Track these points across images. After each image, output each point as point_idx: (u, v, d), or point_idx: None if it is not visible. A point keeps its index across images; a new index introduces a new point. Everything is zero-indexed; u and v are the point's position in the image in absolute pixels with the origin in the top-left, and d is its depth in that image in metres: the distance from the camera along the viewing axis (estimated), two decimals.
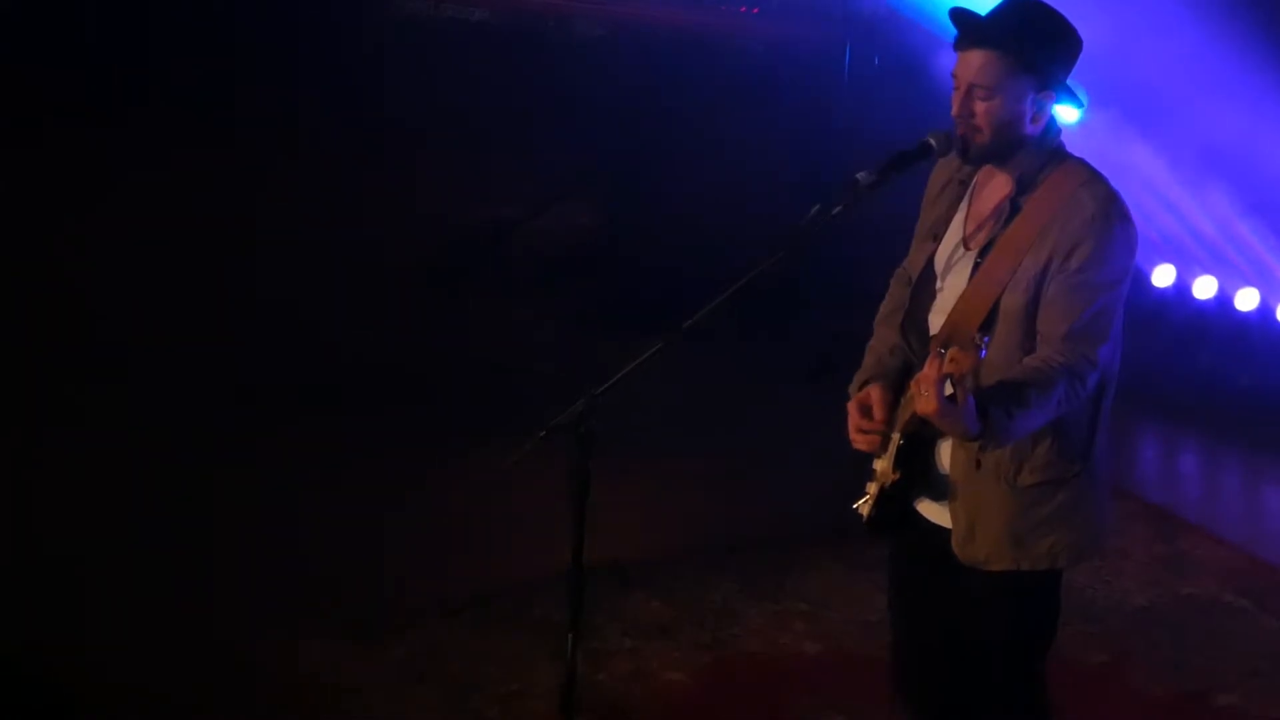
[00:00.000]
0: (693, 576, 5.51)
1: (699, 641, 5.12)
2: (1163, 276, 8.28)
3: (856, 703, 4.70)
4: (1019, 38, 3.29)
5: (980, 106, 3.30)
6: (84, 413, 6.29)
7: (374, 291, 7.98)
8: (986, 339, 3.10)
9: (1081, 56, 3.39)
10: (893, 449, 3.42)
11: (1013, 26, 3.31)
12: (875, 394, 3.43)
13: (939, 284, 3.46)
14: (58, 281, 7.34)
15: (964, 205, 3.48)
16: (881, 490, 3.48)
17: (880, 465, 3.50)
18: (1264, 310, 8.06)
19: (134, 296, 7.45)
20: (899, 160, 3.35)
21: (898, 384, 3.46)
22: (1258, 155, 7.69)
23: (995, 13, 3.35)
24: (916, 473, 3.43)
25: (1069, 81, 3.37)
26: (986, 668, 3.51)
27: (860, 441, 3.45)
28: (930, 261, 3.50)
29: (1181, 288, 8.27)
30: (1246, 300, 8.10)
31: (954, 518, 3.42)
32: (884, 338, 3.60)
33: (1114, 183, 3.38)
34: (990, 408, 3.13)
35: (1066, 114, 3.47)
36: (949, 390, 3.07)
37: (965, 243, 3.42)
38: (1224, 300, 8.19)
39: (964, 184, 3.50)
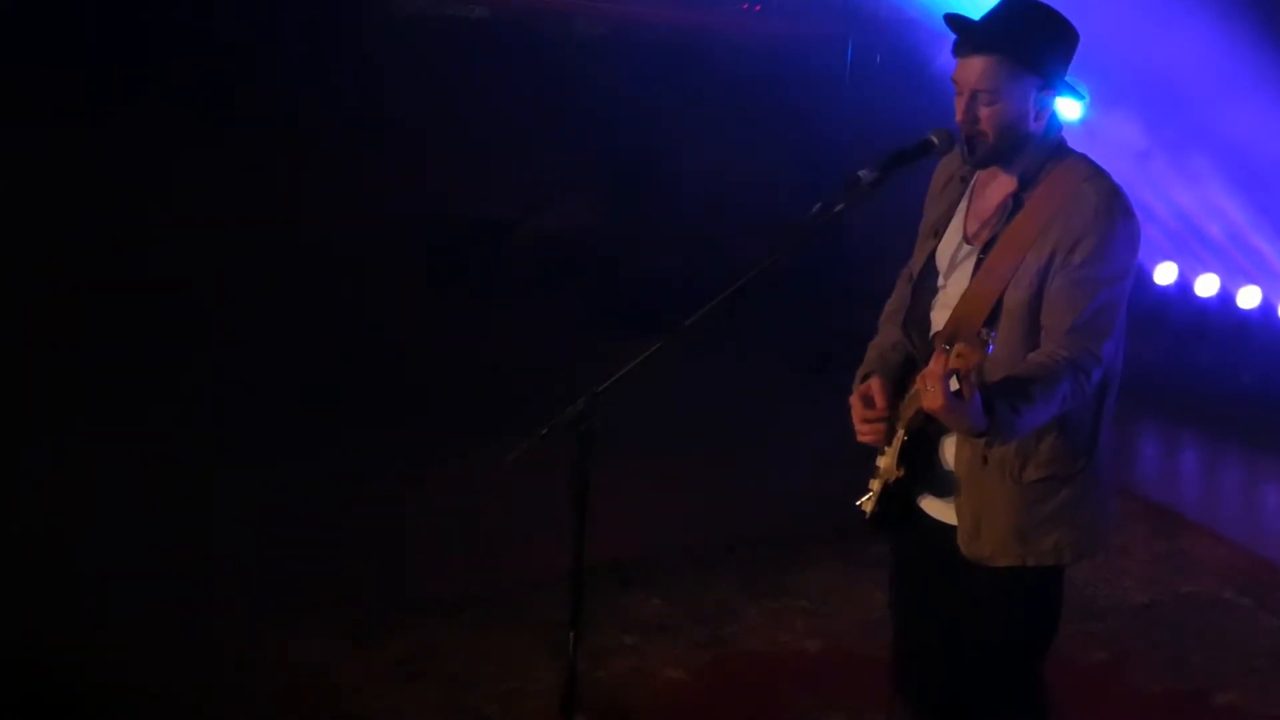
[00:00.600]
0: (693, 574, 5.51)
1: (699, 639, 5.11)
2: (1165, 274, 8.28)
3: (857, 701, 4.70)
4: (1019, 40, 3.29)
5: (985, 111, 3.31)
6: (83, 412, 6.28)
7: (372, 290, 7.98)
8: (993, 334, 3.10)
9: (1089, 53, 3.39)
10: (897, 445, 3.42)
11: (1012, 29, 3.30)
12: (875, 384, 3.43)
13: (941, 281, 3.46)
14: (57, 281, 7.34)
15: (965, 202, 3.48)
16: (885, 487, 3.48)
17: (883, 462, 3.49)
18: (1266, 308, 8.05)
19: (133, 296, 7.44)
20: (901, 157, 3.36)
21: (899, 379, 3.46)
22: (1261, 153, 7.69)
23: (993, 16, 3.35)
24: (920, 469, 3.43)
25: (1068, 76, 3.38)
26: (987, 665, 3.51)
27: (866, 433, 3.45)
28: (932, 258, 3.50)
29: (1183, 285, 8.27)
30: (1248, 298, 8.09)
31: (959, 514, 3.42)
32: (887, 334, 3.61)
33: (1117, 179, 3.38)
34: (996, 403, 3.13)
35: (1069, 108, 3.48)
36: (954, 386, 3.07)
37: (967, 239, 3.43)
38: (1226, 298, 8.18)
39: (965, 181, 3.50)
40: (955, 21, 3.35)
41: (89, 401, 6.38)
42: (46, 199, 8.04)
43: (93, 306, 7.32)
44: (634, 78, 9.31)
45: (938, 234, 3.51)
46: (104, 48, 8.98)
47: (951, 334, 3.28)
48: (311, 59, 9.04)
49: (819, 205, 3.28)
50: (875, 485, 3.53)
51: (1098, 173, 3.37)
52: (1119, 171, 3.40)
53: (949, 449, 3.42)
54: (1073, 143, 3.45)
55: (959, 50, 3.34)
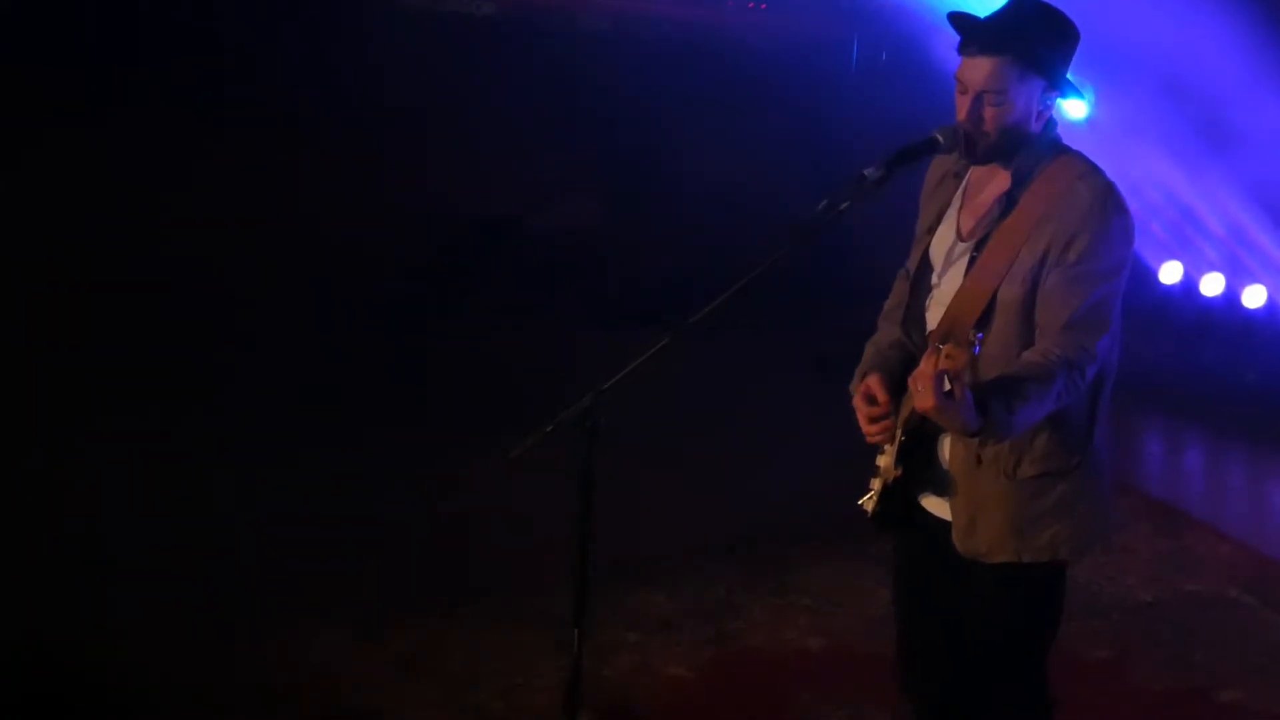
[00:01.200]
0: (696, 571, 5.52)
1: (702, 636, 5.12)
2: (1170, 273, 8.27)
3: (859, 698, 4.70)
4: (1028, 41, 3.29)
5: (990, 112, 3.30)
6: (85, 412, 6.29)
7: (375, 289, 7.98)
8: (980, 335, 3.11)
9: (1099, 49, 3.38)
10: (895, 444, 3.43)
11: (1019, 29, 3.30)
12: (874, 381, 3.43)
13: (935, 278, 3.46)
14: (58, 281, 7.34)
15: (959, 199, 3.49)
16: (885, 486, 3.48)
17: (883, 461, 3.50)
18: (1271, 307, 8.05)
19: (135, 296, 7.45)
20: (906, 155, 3.35)
21: (898, 376, 3.46)
22: (1268, 153, 7.68)
23: (1000, 16, 3.34)
24: (919, 468, 3.44)
25: (1070, 75, 3.38)
26: (990, 662, 3.51)
27: (874, 432, 3.45)
28: (926, 255, 3.50)
29: (1189, 284, 8.27)
30: (1253, 297, 8.09)
31: (955, 511, 3.42)
32: (885, 332, 3.61)
33: (1123, 178, 3.38)
34: (989, 402, 3.12)
35: (1074, 108, 3.48)
36: (946, 386, 3.07)
37: (961, 236, 3.43)
38: (1231, 297, 8.18)
39: (959, 177, 3.50)
40: (960, 20, 3.35)
41: (91, 401, 6.39)
42: (46, 198, 8.05)
43: (94, 306, 7.32)
44: (638, 75, 9.30)
45: (932, 230, 3.51)
46: (104, 47, 8.98)
47: (946, 332, 3.28)
48: (313, 56, 9.03)
49: (824, 203, 3.28)
50: (876, 484, 3.53)
51: (1092, 169, 3.36)
52: (1122, 169, 3.40)
53: (946, 447, 3.42)
54: (1078, 140, 3.45)
55: (964, 49, 3.33)
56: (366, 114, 8.96)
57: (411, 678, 4.76)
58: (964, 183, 3.49)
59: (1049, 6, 3.37)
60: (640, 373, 3.28)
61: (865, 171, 3.30)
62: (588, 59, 9.34)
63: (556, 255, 8.75)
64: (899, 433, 3.41)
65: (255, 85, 8.79)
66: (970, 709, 3.60)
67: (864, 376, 3.50)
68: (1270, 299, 8.05)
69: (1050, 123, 3.39)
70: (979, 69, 3.30)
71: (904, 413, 3.38)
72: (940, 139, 3.38)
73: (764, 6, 9.90)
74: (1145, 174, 7.69)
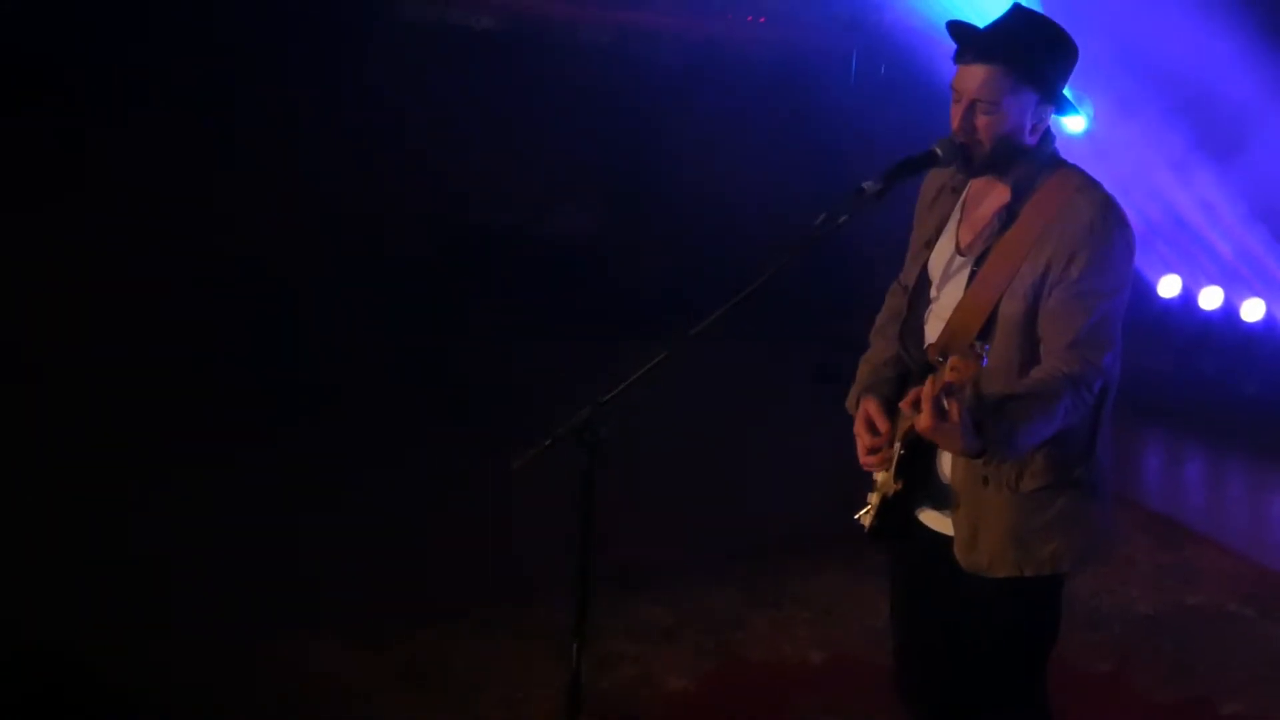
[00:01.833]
0: (697, 582, 5.52)
1: (703, 648, 5.12)
2: (1169, 287, 8.28)
3: (861, 710, 4.70)
4: (1022, 50, 3.29)
5: (982, 120, 3.30)
6: (84, 413, 6.29)
7: (376, 295, 7.99)
8: (987, 347, 3.11)
9: (1097, 65, 3.39)
10: (894, 459, 3.43)
11: (1015, 39, 3.30)
12: (873, 408, 3.44)
13: (934, 292, 3.46)
14: (57, 282, 7.35)
15: (958, 213, 3.49)
16: (884, 500, 3.48)
17: (881, 476, 3.50)
18: (1270, 321, 8.06)
19: (135, 297, 7.46)
20: (905, 168, 3.35)
21: (894, 395, 3.46)
22: (1267, 166, 7.69)
23: (996, 25, 3.35)
24: (918, 481, 3.44)
25: (1067, 90, 3.38)
26: (988, 675, 3.52)
27: (871, 462, 3.46)
28: (925, 270, 3.50)
29: (1187, 298, 8.27)
30: (1252, 311, 8.09)
31: (956, 525, 3.42)
32: (879, 348, 3.61)
33: (1122, 192, 3.39)
34: (988, 423, 3.12)
35: (1073, 123, 3.48)
36: (945, 406, 3.07)
37: (960, 250, 3.43)
38: (1230, 311, 8.18)
39: (957, 191, 3.50)
40: (957, 28, 3.36)
41: (91, 402, 6.39)
42: (46, 199, 8.05)
43: (94, 307, 7.33)
44: (639, 87, 9.32)
45: (930, 245, 3.51)
46: (104, 52, 8.99)
47: (945, 345, 3.28)
48: (316, 67, 9.05)
49: (823, 216, 3.29)
50: (874, 499, 3.54)
51: (1091, 183, 3.37)
52: (1120, 183, 3.41)
53: (946, 461, 3.42)
54: (1076, 153, 3.46)
55: (960, 58, 3.34)
56: (371, 124, 8.98)
57: (413, 687, 4.77)
58: (962, 197, 3.49)
59: (1048, 21, 3.38)
60: (640, 384, 3.29)
61: (864, 184, 3.30)
62: (589, 72, 9.35)
63: (557, 264, 8.76)
64: (898, 446, 3.41)
65: (259, 95, 8.80)
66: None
67: (861, 396, 3.51)
68: (1269, 312, 8.06)
69: (1048, 137, 3.39)
70: (972, 77, 3.31)
71: (903, 426, 3.38)
72: (939, 152, 3.38)
73: (763, 20, 9.92)
74: (1144, 187, 7.71)
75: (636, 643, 5.10)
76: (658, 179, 9.14)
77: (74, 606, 4.92)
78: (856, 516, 3.59)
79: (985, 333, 3.31)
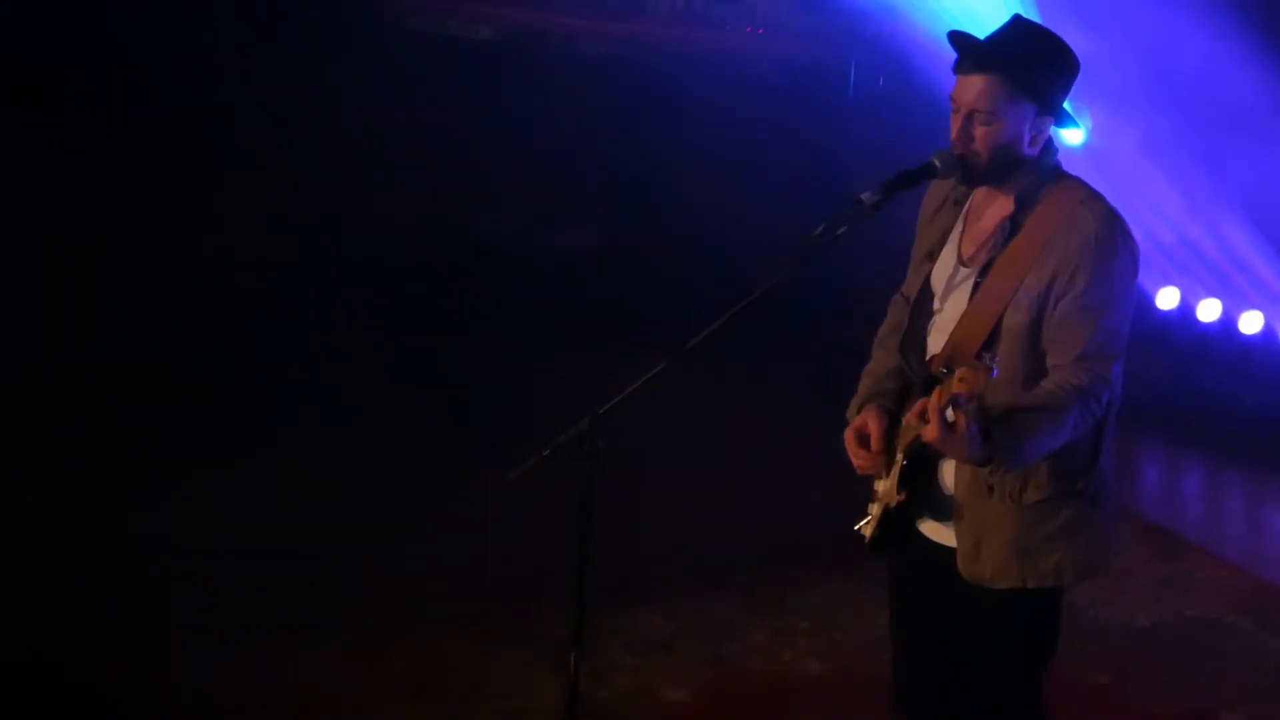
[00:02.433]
0: (695, 593, 5.52)
1: (701, 658, 5.12)
2: (1167, 299, 8.28)
3: None
4: (1020, 62, 3.30)
5: (980, 131, 3.31)
6: (83, 415, 6.29)
7: (375, 306, 7.99)
8: (996, 358, 3.11)
9: (1096, 76, 3.40)
10: (896, 469, 3.43)
11: (1014, 50, 3.31)
12: (872, 422, 3.44)
13: (937, 304, 3.47)
14: (56, 282, 7.35)
15: (960, 225, 3.49)
16: (885, 511, 3.48)
17: (883, 486, 3.50)
18: (1268, 333, 8.06)
19: (135, 298, 7.46)
20: (903, 180, 3.36)
21: (896, 405, 3.47)
22: (1266, 178, 7.70)
23: (995, 36, 3.36)
24: (920, 492, 3.44)
25: (1067, 103, 3.39)
26: (987, 686, 3.52)
27: (862, 466, 3.48)
28: (927, 282, 3.51)
29: (1185, 310, 8.27)
30: (1250, 323, 8.10)
31: (959, 536, 3.42)
32: (881, 359, 3.61)
33: (1120, 203, 3.40)
34: (994, 432, 3.13)
35: (1071, 136, 3.49)
36: (951, 417, 3.08)
37: (963, 262, 3.43)
38: (1228, 323, 8.18)
39: (959, 204, 3.51)
40: (957, 39, 3.37)
41: (91, 405, 6.39)
42: (45, 199, 8.06)
43: (93, 308, 7.33)
44: (638, 99, 9.33)
45: (932, 257, 3.52)
46: (107, 59, 9.00)
47: (949, 357, 3.29)
48: (315, 78, 9.06)
49: (821, 227, 3.30)
50: (875, 509, 3.54)
51: (1094, 195, 3.38)
52: (1118, 194, 3.42)
53: (948, 472, 3.43)
54: (1075, 165, 3.47)
55: (959, 68, 3.35)
56: (370, 135, 8.99)
57: (411, 698, 4.76)
58: (965, 208, 3.50)
59: (1047, 32, 3.39)
60: (639, 395, 3.29)
61: (862, 196, 3.31)
62: (588, 83, 9.37)
63: (556, 276, 8.77)
64: (900, 456, 3.42)
65: (258, 106, 8.81)
66: None
67: (861, 408, 3.51)
68: (1267, 324, 8.06)
69: (1049, 148, 3.40)
70: (970, 87, 3.31)
71: (907, 437, 3.38)
72: (938, 164, 3.39)
73: (761, 31, 9.94)
74: (1142, 199, 7.71)
75: (635, 653, 5.10)
76: (656, 190, 9.15)
77: (72, 612, 4.92)
78: (857, 527, 3.59)
79: (989, 344, 3.31)
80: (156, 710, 4.56)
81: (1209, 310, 8.21)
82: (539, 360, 7.53)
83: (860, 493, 3.59)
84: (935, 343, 3.44)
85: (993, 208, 3.42)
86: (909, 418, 3.26)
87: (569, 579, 3.33)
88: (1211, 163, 7.79)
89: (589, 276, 8.84)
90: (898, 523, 3.49)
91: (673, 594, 5.48)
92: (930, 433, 3.11)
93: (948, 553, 3.45)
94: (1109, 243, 3.30)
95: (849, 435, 3.47)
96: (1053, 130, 3.40)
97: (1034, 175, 3.37)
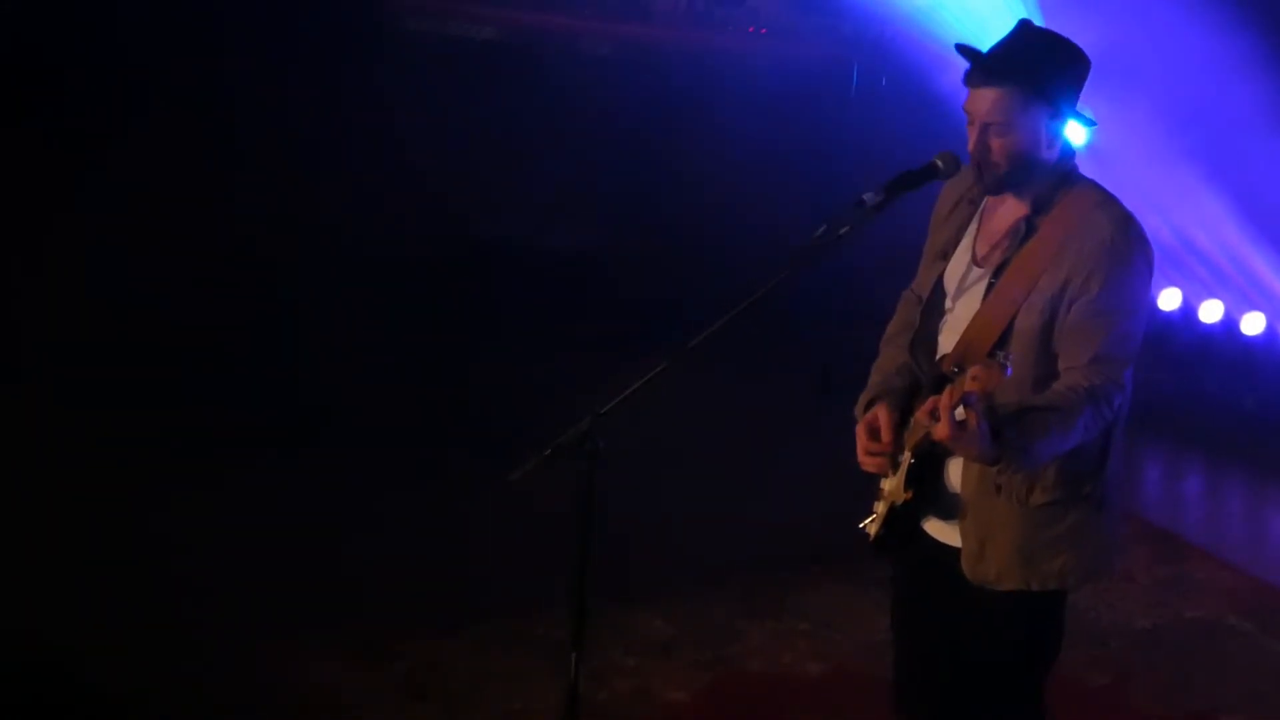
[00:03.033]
0: (695, 595, 5.51)
1: (701, 660, 5.11)
2: (1169, 300, 8.28)
3: None
4: (1031, 71, 3.30)
5: (997, 142, 3.31)
6: (84, 417, 6.29)
7: (375, 308, 7.99)
8: (1010, 357, 3.10)
9: (1095, 76, 3.39)
10: (903, 468, 3.42)
11: (1023, 60, 3.31)
12: (883, 416, 3.44)
13: (949, 303, 3.47)
14: (62, 288, 7.35)
15: (975, 225, 3.49)
16: (892, 509, 3.48)
17: (889, 485, 3.49)
18: (1270, 334, 8.06)
19: (136, 299, 7.46)
20: (905, 180, 3.36)
21: (904, 403, 3.46)
22: (1267, 179, 7.70)
23: (1004, 47, 3.35)
24: (926, 491, 3.44)
25: (1078, 104, 3.39)
26: (990, 688, 3.51)
27: (869, 464, 3.46)
28: (940, 281, 3.50)
29: (1187, 311, 8.27)
30: (1252, 324, 8.09)
31: (964, 536, 3.41)
32: (890, 357, 3.61)
33: (1124, 204, 3.39)
34: (1005, 431, 3.13)
35: (1074, 133, 3.48)
36: (960, 416, 3.08)
37: (977, 262, 3.43)
38: (1230, 324, 8.18)
39: (974, 204, 3.50)
40: (966, 52, 3.36)
41: (91, 407, 6.39)
42: (47, 199, 8.06)
43: (94, 307, 7.33)
44: (639, 99, 9.33)
45: (946, 256, 3.52)
46: (110, 60, 9.00)
47: (960, 356, 3.29)
48: (319, 78, 9.06)
49: (824, 227, 3.29)
50: (880, 508, 3.53)
51: (1109, 199, 3.38)
52: (1120, 195, 3.41)
53: (954, 471, 3.42)
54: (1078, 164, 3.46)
55: (970, 80, 3.34)
56: (372, 135, 8.99)
57: (411, 699, 4.76)
58: (980, 208, 3.49)
59: (1053, 35, 3.39)
60: (639, 396, 3.28)
61: (864, 196, 3.31)
62: (589, 83, 9.36)
63: (557, 276, 8.76)
64: (908, 455, 3.41)
65: (262, 107, 8.81)
66: None
67: (870, 404, 3.51)
68: (1269, 326, 8.06)
69: (1065, 151, 3.39)
70: (983, 100, 3.31)
71: (915, 436, 3.37)
72: (940, 164, 3.39)
73: (763, 30, 9.93)
74: (1143, 199, 7.67)
75: (635, 655, 5.09)
76: (658, 190, 9.15)
77: (75, 613, 4.91)
78: (861, 525, 3.58)
79: (1000, 345, 3.31)
80: (158, 711, 4.56)
81: (1211, 311, 8.21)
82: (539, 360, 7.53)
83: (859, 497, 3.58)
84: (946, 342, 3.45)
85: (1007, 208, 3.42)
86: (919, 415, 3.25)
87: (569, 580, 3.32)
88: (1213, 163, 7.78)
89: (590, 277, 8.84)
90: (903, 522, 3.49)
91: (673, 595, 5.48)
92: (941, 430, 3.11)
93: (952, 552, 3.45)
94: (1124, 247, 3.30)
95: (861, 429, 3.46)
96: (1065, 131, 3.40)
97: (1050, 178, 3.37)
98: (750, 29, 9.96)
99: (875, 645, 4.95)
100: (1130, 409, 3.43)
